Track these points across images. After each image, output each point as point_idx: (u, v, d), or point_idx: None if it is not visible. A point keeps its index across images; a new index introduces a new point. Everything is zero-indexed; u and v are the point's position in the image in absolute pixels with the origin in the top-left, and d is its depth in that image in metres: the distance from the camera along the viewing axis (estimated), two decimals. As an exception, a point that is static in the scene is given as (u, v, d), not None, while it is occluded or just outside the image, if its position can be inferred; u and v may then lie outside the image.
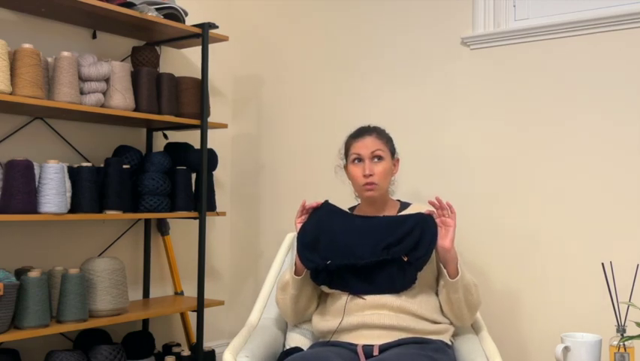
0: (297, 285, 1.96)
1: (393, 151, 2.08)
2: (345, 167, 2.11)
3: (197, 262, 2.95)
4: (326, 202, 2.02)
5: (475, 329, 2.07)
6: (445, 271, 1.90)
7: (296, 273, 1.96)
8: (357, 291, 1.91)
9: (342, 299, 1.93)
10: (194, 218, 2.74)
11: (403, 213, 2.03)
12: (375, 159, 2.00)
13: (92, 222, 2.73)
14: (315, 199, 3.00)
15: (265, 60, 3.23)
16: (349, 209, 2.15)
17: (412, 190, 2.69)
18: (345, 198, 2.92)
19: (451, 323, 2.00)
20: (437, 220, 1.90)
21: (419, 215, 1.94)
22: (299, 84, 3.10)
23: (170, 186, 2.67)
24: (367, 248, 1.91)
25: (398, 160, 2.12)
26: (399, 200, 2.14)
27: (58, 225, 2.62)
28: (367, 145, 2.01)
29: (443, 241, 1.88)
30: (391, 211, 2.07)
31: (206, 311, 3.18)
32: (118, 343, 2.48)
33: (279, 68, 3.18)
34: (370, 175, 1.98)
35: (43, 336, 2.50)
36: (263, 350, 1.94)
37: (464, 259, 2.50)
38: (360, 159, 2.02)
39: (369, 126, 2.09)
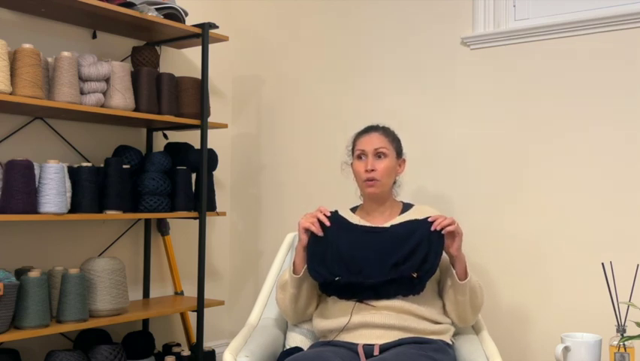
0: (296, 284, 1.96)
1: (399, 151, 2.08)
2: (352, 164, 2.10)
3: (197, 262, 2.95)
4: (335, 212, 2.02)
5: (476, 329, 2.07)
6: (453, 272, 1.90)
7: (294, 272, 1.96)
8: (366, 298, 1.91)
9: (347, 303, 1.93)
10: (194, 218, 2.74)
11: (405, 215, 2.03)
12: (379, 156, 2.01)
13: (92, 222, 2.73)
14: (314, 199, 3.01)
15: (265, 60, 3.23)
16: (351, 209, 2.14)
17: (411, 190, 2.69)
18: (346, 198, 2.92)
19: (452, 324, 2.00)
20: (443, 231, 1.88)
21: (424, 225, 1.91)
22: (299, 84, 3.10)
23: (170, 186, 2.67)
24: (375, 266, 1.88)
25: (404, 161, 2.11)
26: (402, 201, 2.13)
27: (58, 225, 2.62)
28: (372, 141, 2.02)
29: (450, 248, 1.89)
30: (394, 212, 2.06)
31: (206, 311, 3.18)
32: (118, 343, 2.48)
33: (279, 68, 3.18)
34: (372, 170, 1.98)
35: (43, 336, 2.50)
36: (263, 350, 1.94)
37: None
38: (363, 155, 2.02)
39: (377, 125, 2.10)
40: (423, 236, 1.89)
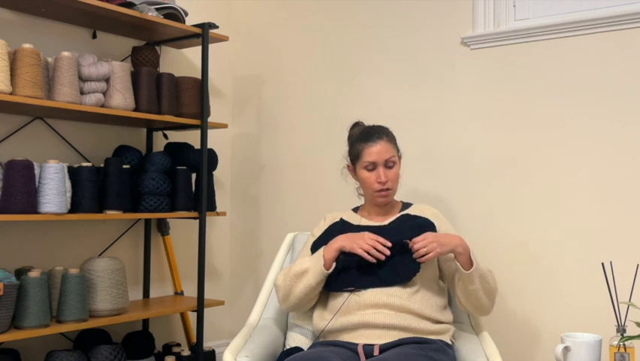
0: (322, 279, 1.94)
1: (398, 151, 2.10)
2: (348, 166, 2.11)
3: (197, 262, 2.95)
4: (341, 220, 2.10)
5: (476, 329, 2.07)
6: (458, 264, 1.90)
7: (326, 267, 1.95)
8: (363, 285, 1.92)
9: (343, 296, 1.93)
10: (194, 218, 2.74)
11: (406, 212, 2.07)
12: (389, 166, 2.03)
13: (92, 222, 2.73)
14: (314, 198, 3.01)
15: (265, 60, 3.23)
16: (353, 210, 2.17)
17: (411, 190, 2.69)
18: (346, 197, 2.92)
19: (453, 323, 2.00)
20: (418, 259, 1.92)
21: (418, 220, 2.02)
22: (299, 84, 3.10)
23: (170, 186, 2.67)
24: None
25: (400, 158, 2.13)
26: (401, 201, 2.16)
27: (58, 225, 2.62)
28: (381, 152, 2.01)
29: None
30: (394, 211, 2.10)
31: (206, 311, 3.18)
32: (118, 343, 2.48)
33: (279, 68, 3.18)
34: (386, 182, 2.00)
35: (43, 336, 2.50)
36: (263, 350, 1.94)
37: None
38: (372, 165, 2.02)
39: (375, 127, 2.09)
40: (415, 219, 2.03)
